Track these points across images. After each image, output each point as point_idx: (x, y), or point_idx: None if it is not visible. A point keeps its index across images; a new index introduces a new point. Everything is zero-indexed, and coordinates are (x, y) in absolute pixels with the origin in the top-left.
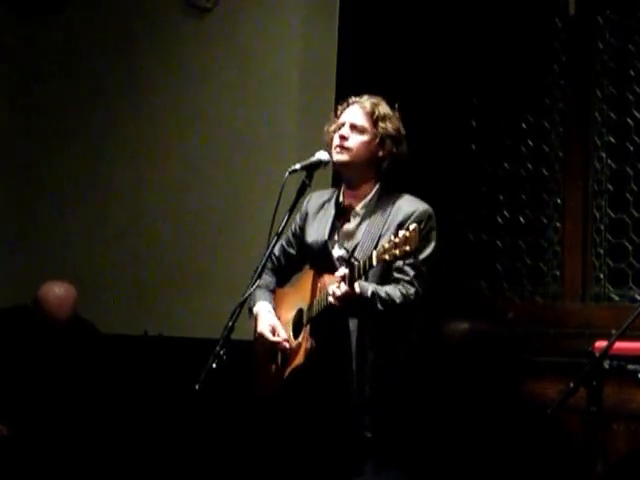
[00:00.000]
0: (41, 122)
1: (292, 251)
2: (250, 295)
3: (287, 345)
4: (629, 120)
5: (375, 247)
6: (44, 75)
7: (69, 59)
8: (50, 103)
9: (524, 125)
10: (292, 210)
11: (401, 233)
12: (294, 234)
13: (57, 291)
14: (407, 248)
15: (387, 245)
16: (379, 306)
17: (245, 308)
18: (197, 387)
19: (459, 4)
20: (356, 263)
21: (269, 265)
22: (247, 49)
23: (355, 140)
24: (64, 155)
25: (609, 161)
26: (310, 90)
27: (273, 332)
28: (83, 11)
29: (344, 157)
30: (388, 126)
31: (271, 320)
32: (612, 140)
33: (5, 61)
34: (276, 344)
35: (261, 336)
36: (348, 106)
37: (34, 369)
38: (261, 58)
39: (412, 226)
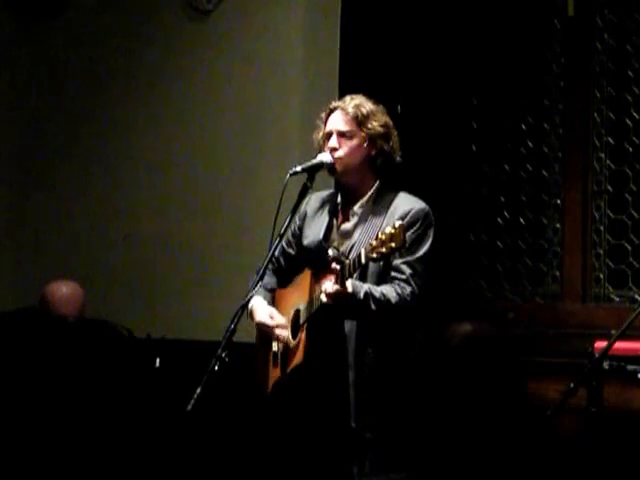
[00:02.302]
0: (43, 122)
1: (292, 251)
2: (251, 297)
3: (286, 333)
4: (628, 121)
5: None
6: (45, 76)
7: (70, 61)
8: (52, 103)
9: (524, 126)
10: (294, 212)
11: (387, 230)
12: (293, 234)
13: (64, 290)
14: (393, 245)
15: (374, 243)
16: (373, 306)
17: (246, 310)
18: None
19: (459, 5)
20: (346, 262)
21: (269, 266)
22: (248, 51)
23: (345, 148)
24: (66, 156)
25: (608, 162)
26: (313, 91)
27: (272, 317)
28: (83, 14)
29: (339, 167)
30: (374, 124)
31: (268, 308)
32: (611, 141)
33: (6, 62)
34: (276, 327)
35: (261, 326)
36: (331, 112)
37: (41, 370)
38: (263, 59)
39: (397, 223)
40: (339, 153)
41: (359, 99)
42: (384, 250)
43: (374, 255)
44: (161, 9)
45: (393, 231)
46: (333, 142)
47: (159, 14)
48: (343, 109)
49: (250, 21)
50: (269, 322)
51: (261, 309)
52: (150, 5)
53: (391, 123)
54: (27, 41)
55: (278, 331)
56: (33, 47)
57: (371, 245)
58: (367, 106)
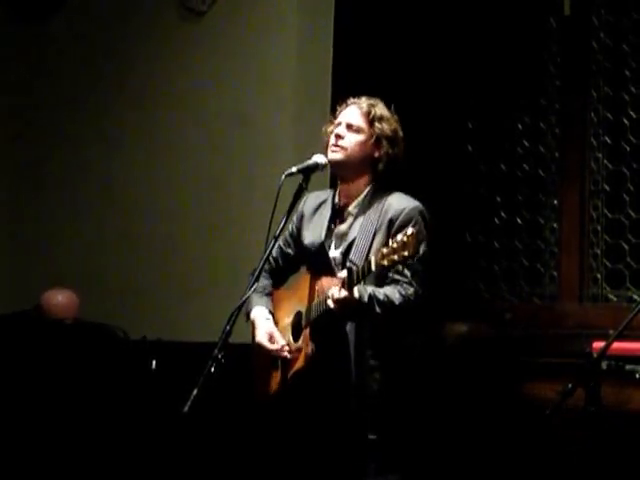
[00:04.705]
0: (38, 124)
1: (290, 252)
2: (247, 299)
3: (286, 353)
4: (625, 120)
5: (370, 246)
6: (42, 76)
7: (64, 62)
8: (46, 105)
9: (520, 126)
10: (290, 213)
11: (399, 238)
12: (291, 235)
13: (60, 298)
14: (405, 253)
15: (385, 250)
16: (377, 309)
17: (243, 311)
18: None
19: (455, 5)
20: (354, 268)
21: (266, 267)
22: (242, 52)
23: (350, 139)
24: (62, 157)
25: (605, 161)
26: (306, 92)
27: (271, 340)
28: (77, 14)
29: (339, 156)
30: (384, 127)
31: (268, 328)
32: (608, 140)
33: (3, 60)
34: (275, 352)
35: (260, 346)
36: (346, 107)
37: (37, 372)
38: (256, 60)
39: (409, 230)
40: (343, 142)
41: (376, 101)
42: (396, 258)
43: (385, 263)
44: (155, 9)
45: (405, 239)
46: (340, 130)
47: (153, 14)
48: (358, 104)
49: (244, 22)
50: (268, 346)
51: (261, 327)
52: (144, 5)
53: (401, 135)
54: (22, 40)
55: (277, 354)
56: (28, 47)
57: (382, 253)
58: (382, 109)
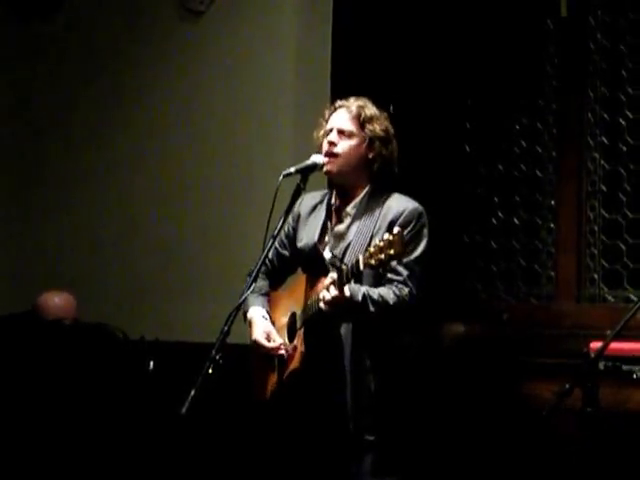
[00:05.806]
0: (38, 124)
1: (285, 253)
2: (245, 300)
3: (283, 351)
4: (622, 120)
5: (367, 247)
6: (42, 76)
7: (66, 61)
8: (46, 105)
9: (517, 126)
10: (287, 213)
11: (385, 237)
12: (287, 236)
13: (57, 300)
14: (392, 252)
15: (372, 250)
16: (371, 308)
17: (240, 312)
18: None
19: (452, 6)
20: (344, 267)
21: (263, 268)
22: (240, 52)
23: (344, 146)
24: (61, 158)
25: (602, 162)
26: (305, 92)
27: (268, 339)
28: (76, 14)
29: (335, 166)
30: (376, 127)
31: (265, 326)
32: (605, 141)
33: (3, 60)
34: (272, 350)
35: (256, 344)
36: (335, 110)
37: (36, 373)
38: (255, 60)
39: (396, 229)
40: (337, 149)
41: (364, 101)
42: (382, 257)
43: (372, 262)
44: (154, 9)
45: (391, 238)
46: (332, 137)
47: (152, 14)
48: (347, 107)
49: (242, 22)
50: (266, 344)
51: (259, 326)
52: (143, 5)
53: (392, 131)
54: (22, 40)
55: (274, 352)
56: (28, 47)
57: (369, 252)
58: (371, 109)
